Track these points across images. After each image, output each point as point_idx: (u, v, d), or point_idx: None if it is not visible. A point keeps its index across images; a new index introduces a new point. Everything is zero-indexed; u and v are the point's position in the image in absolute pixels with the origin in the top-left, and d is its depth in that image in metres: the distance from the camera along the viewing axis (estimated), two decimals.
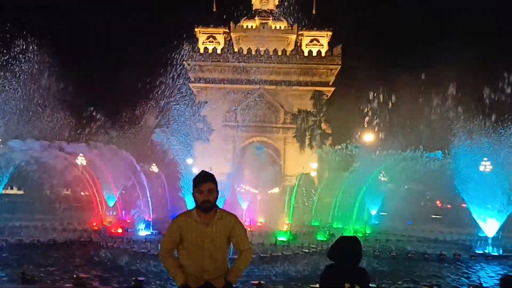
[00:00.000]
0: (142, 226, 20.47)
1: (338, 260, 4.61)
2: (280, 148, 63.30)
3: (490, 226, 17.57)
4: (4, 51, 28.68)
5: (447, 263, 14.85)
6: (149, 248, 14.85)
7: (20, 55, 28.90)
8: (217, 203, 4.61)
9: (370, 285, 4.57)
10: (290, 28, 68.71)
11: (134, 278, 10.24)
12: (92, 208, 26.81)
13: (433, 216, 34.82)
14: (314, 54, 65.92)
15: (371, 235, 22.24)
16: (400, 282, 11.69)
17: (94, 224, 22.20)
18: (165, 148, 24.89)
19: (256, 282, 9.71)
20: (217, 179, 4.63)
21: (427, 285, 10.52)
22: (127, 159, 23.63)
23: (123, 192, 26.32)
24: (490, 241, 17.25)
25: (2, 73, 28.26)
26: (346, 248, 4.62)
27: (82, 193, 49.63)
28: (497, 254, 16.52)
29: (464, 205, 19.36)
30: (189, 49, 65.60)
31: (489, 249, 16.91)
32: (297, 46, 68.05)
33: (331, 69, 65.74)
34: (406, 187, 48.32)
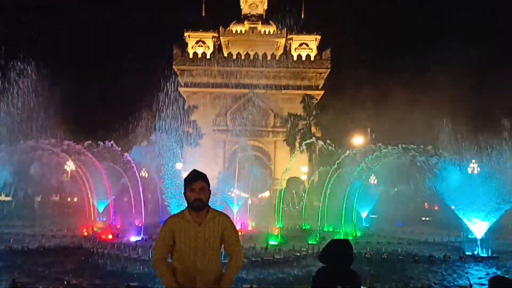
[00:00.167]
0: (132, 231, 20.38)
1: (330, 263, 4.65)
2: (270, 152, 63.42)
3: (479, 228, 17.73)
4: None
5: (437, 265, 14.97)
6: (140, 253, 14.79)
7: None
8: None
9: (361, 287, 4.61)
10: (279, 32, 69.00)
11: (125, 284, 10.20)
12: (82, 214, 26.65)
13: (423, 219, 35.02)
14: (303, 58, 66.26)
15: (362, 237, 22.32)
16: (391, 284, 11.78)
17: (84, 230, 22.06)
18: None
19: (248, 286, 9.74)
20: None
21: (418, 287, 10.61)
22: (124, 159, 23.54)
23: (113, 197, 26.18)
24: (479, 242, 17.40)
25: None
26: (337, 251, 4.66)
27: (69, 199, 49.43)
28: (486, 255, 16.67)
29: (453, 207, 19.49)
30: (179, 54, 65.66)
31: (478, 251, 17.06)
32: (287, 50, 68.38)
33: (321, 73, 66.11)
34: (395, 189, 48.68)
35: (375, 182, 58.77)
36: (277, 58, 65.72)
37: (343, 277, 4.54)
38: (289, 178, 50.63)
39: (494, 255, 16.65)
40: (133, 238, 19.37)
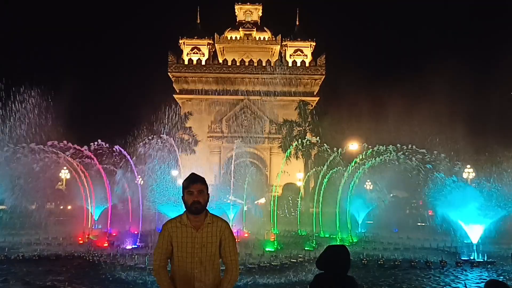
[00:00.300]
0: (128, 239, 20.30)
1: (327, 269, 4.66)
2: (266, 158, 63.41)
3: (474, 233, 17.76)
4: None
5: (433, 270, 14.98)
6: (136, 261, 14.74)
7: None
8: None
9: None
10: (274, 39, 69.19)
11: None
12: (77, 222, 26.53)
13: (418, 224, 35.09)
14: (298, 64, 66.45)
15: (358, 243, 22.33)
16: None
17: (80, 238, 21.93)
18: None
19: None
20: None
21: None
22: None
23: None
24: (475, 247, 17.44)
25: None
26: (334, 257, 4.66)
27: (62, 207, 49.22)
28: (482, 260, 16.70)
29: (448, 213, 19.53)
30: (174, 61, 65.73)
31: (474, 256, 17.10)
32: (281, 56, 68.52)
33: (315, 79, 66.29)
34: (391, 195, 48.72)
35: (371, 188, 58.88)
36: (272, 65, 65.88)
37: (340, 283, 4.54)
38: (285, 185, 50.67)
39: (490, 260, 16.69)
40: (129, 246, 19.30)
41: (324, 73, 65.89)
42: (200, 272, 4.38)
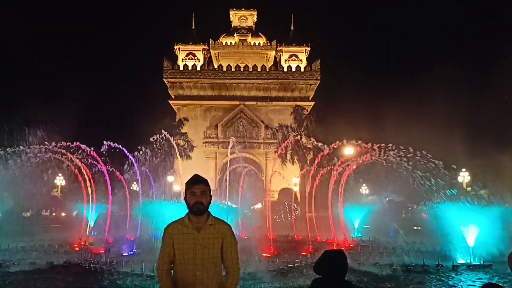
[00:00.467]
0: (125, 245, 20.23)
1: (324, 274, 4.67)
2: (261, 164, 63.40)
3: (470, 236, 17.81)
4: None
5: (430, 274, 14.99)
6: (133, 267, 14.68)
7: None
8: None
9: None
10: (269, 44, 69.40)
11: None
12: (72, 229, 26.39)
13: (414, 228, 35.09)
14: (293, 69, 66.63)
15: (354, 248, 22.32)
16: None
17: (75, 245, 21.83)
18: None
19: None
20: None
21: None
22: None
23: (104, 211, 25.98)
24: (471, 250, 17.47)
25: None
26: (332, 262, 4.68)
27: (54, 214, 49.05)
28: (478, 263, 16.73)
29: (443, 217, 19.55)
30: (169, 67, 65.78)
31: (470, 259, 17.13)
32: (276, 62, 68.78)
33: (311, 84, 66.45)
34: (387, 199, 48.82)
35: (367, 191, 58.97)
36: (267, 70, 66.04)
37: None
38: (281, 190, 50.70)
39: (487, 263, 16.72)
40: (125, 253, 19.23)
41: (319, 78, 66.09)
42: (203, 275, 4.36)
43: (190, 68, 66.38)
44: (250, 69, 65.59)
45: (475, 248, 17.53)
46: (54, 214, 48.99)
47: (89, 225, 25.94)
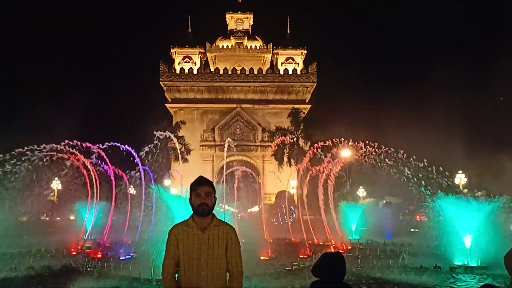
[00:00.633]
0: (123, 249, 20.17)
1: (323, 277, 4.68)
2: (259, 167, 63.41)
3: (468, 238, 17.82)
4: None
5: (428, 276, 15.01)
6: (131, 271, 14.64)
7: None
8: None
9: None
10: (265, 47, 69.55)
11: None
12: (69, 233, 26.31)
13: (412, 230, 35.14)
14: (290, 72, 66.76)
15: (352, 250, 22.33)
16: None
17: (73, 250, 21.76)
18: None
19: None
20: None
21: None
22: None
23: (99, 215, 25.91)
24: (468, 252, 17.48)
25: None
26: (330, 265, 4.69)
27: (48, 218, 48.88)
28: (476, 265, 16.75)
29: (441, 218, 19.57)
30: (165, 70, 65.80)
31: (468, 260, 17.14)
32: (273, 64, 68.89)
33: (307, 87, 66.60)
34: (384, 201, 48.88)
35: (364, 194, 59.04)
36: (263, 73, 66.14)
37: None
38: (278, 193, 50.66)
39: (484, 264, 16.74)
40: (123, 257, 19.17)
41: (315, 80, 66.24)
42: (207, 275, 4.36)
43: (186, 71, 66.44)
44: (247, 72, 65.67)
45: (472, 250, 17.54)
46: (48, 218, 48.82)
47: (87, 229, 25.83)
